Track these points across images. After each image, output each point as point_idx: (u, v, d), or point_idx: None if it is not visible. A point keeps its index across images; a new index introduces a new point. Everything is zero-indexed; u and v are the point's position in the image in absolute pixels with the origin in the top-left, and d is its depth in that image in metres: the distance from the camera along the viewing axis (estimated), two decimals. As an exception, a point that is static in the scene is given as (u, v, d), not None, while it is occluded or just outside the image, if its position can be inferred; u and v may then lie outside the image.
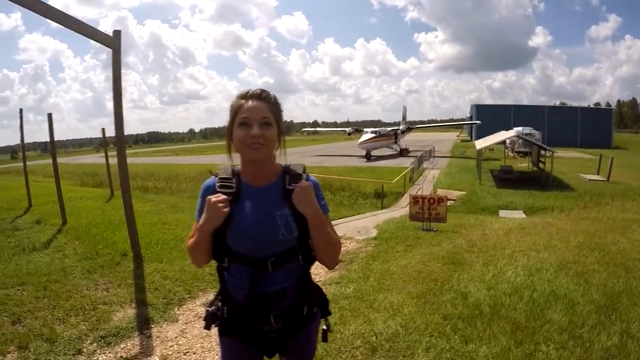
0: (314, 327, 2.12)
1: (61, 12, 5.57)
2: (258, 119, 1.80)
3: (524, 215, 15.16)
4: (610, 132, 62.11)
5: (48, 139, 10.68)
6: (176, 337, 4.37)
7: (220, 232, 1.85)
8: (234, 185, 1.89)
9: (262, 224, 1.85)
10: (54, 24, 5.51)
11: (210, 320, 2.02)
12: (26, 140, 15.77)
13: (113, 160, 8.20)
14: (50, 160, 10.83)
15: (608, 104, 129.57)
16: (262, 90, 1.88)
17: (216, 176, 1.95)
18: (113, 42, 6.38)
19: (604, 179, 23.34)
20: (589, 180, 23.51)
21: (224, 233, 1.85)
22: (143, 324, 4.62)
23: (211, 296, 5.31)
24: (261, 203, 1.89)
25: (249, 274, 1.88)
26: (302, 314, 2.00)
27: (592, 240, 7.43)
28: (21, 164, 14.91)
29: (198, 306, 5.11)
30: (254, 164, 1.89)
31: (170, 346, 4.20)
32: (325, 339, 2.15)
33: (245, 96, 1.87)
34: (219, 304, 2.02)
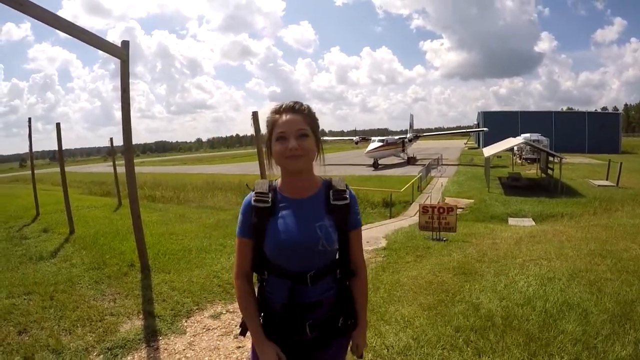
0: (346, 340, 2.11)
1: (70, 22, 5.58)
2: (294, 131, 1.83)
3: (533, 223, 15.09)
4: (618, 137, 61.91)
5: (56, 148, 10.75)
6: (184, 349, 4.32)
7: (259, 243, 1.91)
8: (269, 200, 1.92)
9: (301, 233, 1.87)
10: (63, 34, 5.53)
11: (246, 325, 2.02)
12: (35, 149, 15.88)
13: (121, 169, 8.22)
14: (59, 169, 10.89)
15: (615, 108, 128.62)
16: (295, 102, 1.91)
17: (253, 191, 1.97)
18: (121, 52, 6.38)
19: (613, 185, 23.19)
20: (598, 186, 23.37)
21: (262, 245, 1.90)
22: (150, 335, 4.57)
23: (219, 308, 5.29)
24: (301, 214, 1.91)
25: (288, 288, 1.90)
26: (337, 325, 2.01)
27: (603, 247, 7.36)
28: (29, 172, 14.97)
29: (206, 318, 5.05)
30: (294, 176, 1.92)
31: (178, 359, 4.15)
32: (360, 355, 2.15)
33: (279, 110, 1.89)
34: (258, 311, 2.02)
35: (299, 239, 1.86)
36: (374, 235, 10.26)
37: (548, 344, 3.95)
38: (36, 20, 5.05)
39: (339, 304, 2.01)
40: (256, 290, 2.04)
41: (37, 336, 4.48)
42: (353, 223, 2.00)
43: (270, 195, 1.93)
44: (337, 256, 1.98)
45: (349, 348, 2.15)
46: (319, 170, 2.02)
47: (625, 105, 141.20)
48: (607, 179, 25.20)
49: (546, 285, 5.43)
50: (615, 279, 5.60)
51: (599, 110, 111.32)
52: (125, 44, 6.49)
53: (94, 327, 4.73)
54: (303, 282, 1.89)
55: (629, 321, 4.33)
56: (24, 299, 5.53)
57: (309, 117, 1.91)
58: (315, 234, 1.87)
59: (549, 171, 26.27)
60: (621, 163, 24.21)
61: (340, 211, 1.94)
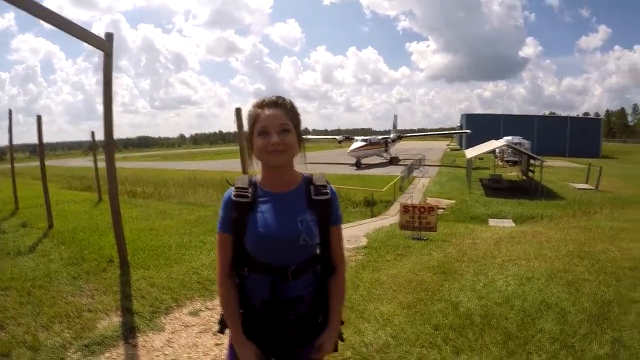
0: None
1: (54, 13, 5.48)
2: (276, 126, 1.84)
3: (513, 224, 15.20)
4: (598, 142, 62.76)
5: (37, 141, 10.63)
6: (162, 346, 4.27)
7: (239, 239, 1.90)
8: (250, 194, 1.92)
9: (282, 227, 1.87)
10: (47, 25, 5.45)
11: (225, 323, 2.02)
12: (15, 142, 15.66)
13: (102, 164, 8.13)
14: (39, 163, 10.77)
15: (597, 114, 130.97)
16: (278, 97, 1.92)
17: (233, 186, 1.97)
18: (105, 45, 6.30)
19: (592, 188, 23.43)
20: (578, 189, 23.60)
21: (242, 240, 1.89)
22: (128, 332, 4.52)
23: (198, 305, 5.25)
24: (282, 208, 1.92)
25: (269, 284, 1.89)
26: (316, 322, 2.02)
27: (582, 249, 7.46)
28: (9, 165, 14.76)
29: (185, 315, 5.01)
30: (276, 170, 1.93)
31: (157, 356, 4.11)
32: (335, 349, 2.12)
33: (262, 105, 1.90)
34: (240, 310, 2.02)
35: (279, 233, 1.86)
36: (354, 233, 10.26)
37: (526, 342, 4.00)
38: (21, 11, 4.97)
39: (319, 301, 2.02)
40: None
41: (14, 332, 4.40)
42: (334, 218, 2.00)
43: (250, 190, 1.94)
44: (318, 251, 1.97)
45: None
46: (301, 167, 2.02)
47: (607, 111, 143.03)
48: (586, 183, 25.45)
49: (525, 285, 5.49)
50: (593, 279, 5.69)
51: (581, 115, 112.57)
52: (109, 36, 6.41)
53: (71, 323, 4.66)
54: (284, 277, 1.88)
55: (606, 321, 4.41)
56: (1, 295, 5.45)
57: (292, 112, 1.92)
58: (296, 228, 1.87)
59: (530, 174, 26.44)
60: (601, 167, 24.45)
61: (322, 206, 1.95)
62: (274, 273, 1.88)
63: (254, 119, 1.89)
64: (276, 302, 1.89)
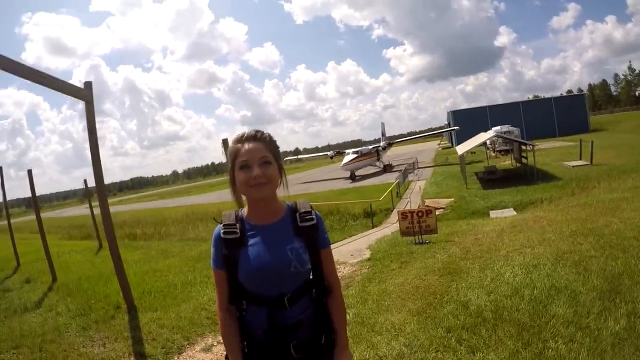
0: (331, 358, 2.08)
1: (31, 68, 5.53)
2: (257, 159, 1.87)
3: (514, 213, 15.19)
4: (586, 117, 63.02)
5: (30, 195, 10.58)
6: (179, 386, 4.24)
7: (233, 274, 1.91)
8: (238, 230, 1.94)
9: (273, 258, 1.88)
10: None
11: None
12: (9, 197, 15.60)
13: (99, 211, 8.14)
14: (35, 216, 10.70)
15: (580, 90, 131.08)
16: (257, 131, 1.96)
17: (220, 223, 1.99)
18: (84, 93, 6.32)
19: (587, 163, 23.48)
20: (573, 166, 23.64)
21: (236, 274, 1.90)
22: (144, 376, 4.48)
23: (210, 340, 5.22)
24: (270, 239, 1.93)
25: (267, 314, 1.90)
26: (320, 343, 2.01)
27: (584, 226, 7.46)
28: (6, 222, 14.73)
29: (198, 352, 4.98)
30: (260, 203, 1.95)
31: (174, 397, 4.08)
32: None
33: (241, 140, 1.93)
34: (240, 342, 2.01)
35: (271, 264, 1.87)
36: (357, 247, 10.22)
37: (541, 330, 3.96)
38: (-2, 69, 4.98)
39: (319, 322, 2.01)
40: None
41: (31, 391, 4.37)
42: (322, 242, 2.02)
43: (238, 225, 1.95)
44: (310, 276, 1.99)
45: None
46: (283, 195, 2.05)
47: (589, 85, 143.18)
48: (580, 159, 25.54)
49: (532, 273, 5.46)
50: (599, 255, 5.67)
51: (565, 94, 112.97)
52: (88, 84, 6.42)
53: (86, 375, 4.63)
54: (281, 305, 1.90)
55: (619, 295, 4.38)
56: (13, 353, 5.43)
57: (270, 144, 1.96)
58: (286, 257, 1.89)
59: (523, 160, 26.49)
60: (592, 141, 24.48)
61: (309, 232, 1.97)
62: (270, 303, 1.90)
63: (234, 154, 1.92)
64: (276, 330, 1.89)
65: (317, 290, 2.01)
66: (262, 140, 1.93)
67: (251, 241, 1.93)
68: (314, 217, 2.00)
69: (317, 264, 1.99)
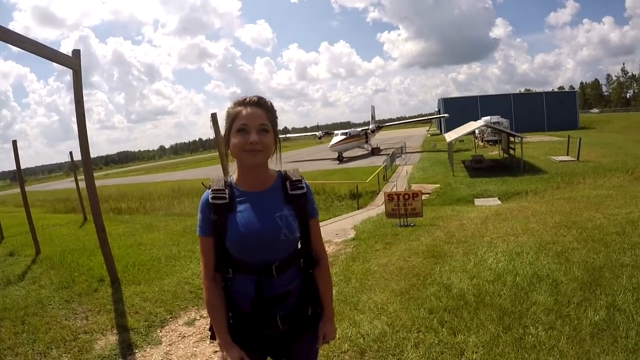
0: (316, 329, 2.10)
1: (19, 34, 5.39)
2: (256, 125, 1.84)
3: (499, 202, 15.35)
4: (576, 114, 63.23)
5: (15, 167, 10.43)
6: (161, 359, 4.23)
7: (220, 240, 1.89)
8: (227, 196, 1.91)
9: (262, 225, 1.87)
10: (15, 48, 5.34)
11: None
12: (-6, 170, 15.42)
13: (84, 184, 8.05)
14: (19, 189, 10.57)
15: (571, 87, 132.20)
16: (259, 98, 1.92)
17: (209, 188, 1.96)
18: (73, 62, 6.19)
19: (573, 159, 23.72)
20: (560, 161, 23.87)
21: (224, 241, 1.88)
22: (126, 349, 4.46)
23: (193, 314, 5.21)
24: (259, 206, 1.91)
25: (254, 282, 1.89)
26: (306, 314, 2.03)
27: (568, 219, 7.53)
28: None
29: (181, 326, 4.96)
30: (251, 170, 1.92)
31: (155, 369, 4.07)
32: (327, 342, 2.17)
33: (243, 103, 1.89)
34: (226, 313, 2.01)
35: (260, 231, 1.85)
36: (342, 227, 10.30)
37: (521, 316, 4.02)
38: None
39: (306, 293, 2.02)
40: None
41: (12, 363, 4.34)
42: (311, 211, 2.02)
43: (227, 191, 1.93)
44: (299, 245, 1.98)
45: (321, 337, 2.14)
46: (276, 167, 2.03)
47: (581, 83, 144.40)
48: (567, 155, 25.75)
49: (515, 260, 5.53)
50: (581, 247, 5.74)
51: (556, 89, 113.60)
52: (77, 53, 6.30)
53: (68, 347, 4.59)
54: (269, 274, 1.88)
55: (599, 287, 4.44)
56: (-5, 327, 5.35)
57: (271, 113, 1.93)
58: (276, 224, 1.87)
59: (511, 151, 26.66)
60: (580, 138, 24.75)
61: (299, 200, 1.96)
62: (258, 271, 1.88)
63: (233, 117, 1.88)
64: (263, 301, 1.88)
65: (304, 260, 2.00)
66: (263, 107, 1.89)
67: (240, 207, 1.91)
68: (304, 185, 1.99)
69: (305, 233, 1.97)
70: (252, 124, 1.83)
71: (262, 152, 1.85)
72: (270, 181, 1.98)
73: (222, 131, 1.97)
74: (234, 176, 1.99)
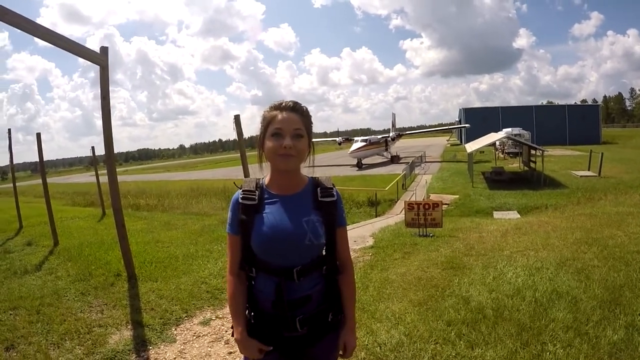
0: (337, 336, 2.10)
1: (49, 30, 5.49)
2: (290, 130, 1.87)
3: (518, 216, 15.20)
4: (598, 128, 62.45)
5: (37, 159, 10.59)
6: (174, 358, 4.25)
7: (246, 240, 1.93)
8: (256, 197, 1.96)
9: (288, 227, 1.89)
10: (42, 43, 5.44)
11: None
12: (16, 161, 15.65)
13: (104, 179, 8.12)
14: (40, 181, 10.74)
15: (594, 100, 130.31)
16: (295, 102, 1.95)
17: (240, 188, 2.01)
18: (101, 58, 6.29)
19: (595, 175, 23.37)
20: (581, 176, 23.54)
21: (249, 240, 1.92)
22: (140, 345, 4.49)
23: (209, 314, 5.22)
24: (288, 210, 1.94)
25: (275, 284, 1.91)
26: (327, 320, 2.02)
27: (589, 235, 7.45)
28: (11, 185, 14.77)
29: (196, 325, 4.97)
30: (283, 174, 1.95)
31: (169, 367, 4.10)
32: (349, 355, 2.15)
33: (279, 107, 1.92)
34: (246, 310, 2.03)
35: (285, 233, 1.88)
36: (360, 234, 10.26)
37: (540, 332, 3.98)
38: (15, 29, 4.97)
39: (327, 299, 2.03)
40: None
41: (25, 352, 4.37)
42: (340, 220, 2.02)
43: (257, 192, 1.97)
44: (323, 252, 2.00)
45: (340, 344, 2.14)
46: (308, 171, 2.05)
47: (605, 97, 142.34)
48: (589, 170, 25.41)
49: (534, 275, 5.49)
50: (602, 265, 5.69)
51: (579, 102, 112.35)
52: (104, 49, 6.40)
53: (82, 339, 4.63)
54: (289, 277, 1.90)
55: (619, 306, 4.39)
56: (10, 314, 5.40)
57: (306, 118, 1.95)
58: (302, 228, 1.89)
59: (532, 164, 26.36)
60: (602, 153, 24.40)
61: (328, 208, 1.97)
62: (280, 273, 1.91)
63: (268, 121, 1.91)
64: (284, 303, 1.90)
65: (328, 267, 2.01)
66: (299, 112, 1.92)
67: (268, 209, 1.94)
68: (334, 193, 2.00)
69: (331, 241, 1.99)
70: (287, 129, 1.86)
71: (295, 157, 1.87)
72: (301, 186, 2.00)
73: (258, 134, 1.99)
74: (266, 178, 2.02)
